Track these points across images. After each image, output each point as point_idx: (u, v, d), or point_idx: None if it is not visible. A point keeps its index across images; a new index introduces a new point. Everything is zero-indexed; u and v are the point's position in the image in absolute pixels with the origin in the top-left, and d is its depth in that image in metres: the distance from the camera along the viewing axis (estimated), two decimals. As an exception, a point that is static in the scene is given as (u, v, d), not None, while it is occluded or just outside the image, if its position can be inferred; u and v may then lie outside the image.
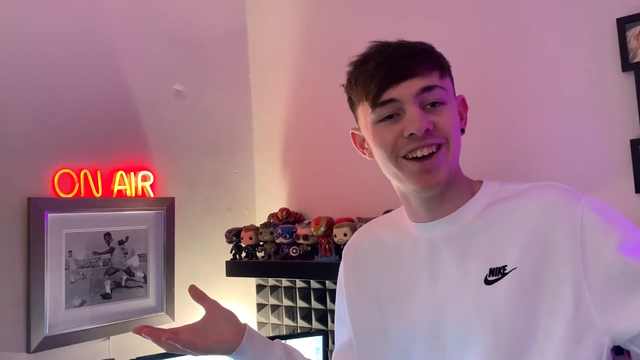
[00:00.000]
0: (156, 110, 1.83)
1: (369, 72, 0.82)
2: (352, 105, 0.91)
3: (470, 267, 0.82)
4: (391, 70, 0.80)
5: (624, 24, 1.27)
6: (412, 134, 0.79)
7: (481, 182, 0.89)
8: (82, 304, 1.56)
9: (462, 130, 0.87)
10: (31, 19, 1.53)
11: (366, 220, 1.56)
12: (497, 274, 0.79)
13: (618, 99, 1.29)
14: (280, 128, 2.06)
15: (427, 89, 0.80)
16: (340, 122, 1.86)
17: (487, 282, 0.80)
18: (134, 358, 1.45)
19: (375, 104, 0.81)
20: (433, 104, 0.81)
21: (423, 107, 0.80)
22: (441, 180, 0.81)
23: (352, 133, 0.95)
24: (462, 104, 0.89)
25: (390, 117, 0.81)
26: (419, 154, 0.80)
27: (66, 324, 1.52)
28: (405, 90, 0.80)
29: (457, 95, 0.89)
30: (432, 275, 0.85)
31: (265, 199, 2.10)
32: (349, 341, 1.00)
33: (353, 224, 1.54)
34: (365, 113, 0.85)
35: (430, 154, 0.80)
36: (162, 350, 1.50)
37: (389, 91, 0.80)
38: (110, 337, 1.61)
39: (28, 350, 1.44)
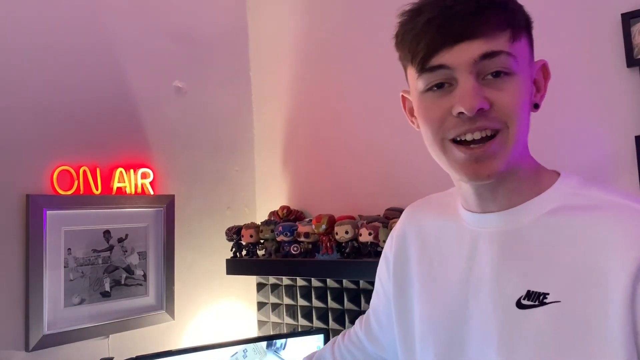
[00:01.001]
0: (156, 107, 1.82)
1: (418, 29, 0.65)
2: (403, 64, 0.74)
3: (505, 281, 0.68)
4: (445, 28, 0.63)
5: (628, 19, 1.26)
6: (461, 113, 0.63)
7: (558, 174, 0.72)
8: (81, 302, 1.55)
9: (536, 106, 0.71)
10: (30, 15, 1.52)
11: (367, 218, 1.55)
12: (534, 299, 0.64)
13: (623, 95, 1.28)
14: (281, 125, 2.05)
15: (490, 55, 0.63)
16: (342, 119, 1.85)
17: (520, 305, 0.65)
18: (134, 356, 1.43)
19: (422, 69, 0.66)
20: (496, 74, 0.64)
21: (483, 78, 0.64)
22: (493, 172, 0.65)
23: (402, 96, 0.79)
24: (543, 70, 0.71)
25: (440, 86, 0.66)
26: (468, 137, 0.65)
27: (65, 322, 1.51)
28: (460, 56, 0.63)
29: (536, 60, 0.71)
30: (467, 274, 0.73)
31: (266, 196, 2.09)
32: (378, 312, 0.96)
33: (354, 222, 1.53)
34: (412, 78, 0.70)
35: (484, 139, 0.65)
36: (161, 349, 1.50)
37: (439, 55, 0.64)
38: (110, 336, 1.60)
39: (27, 349, 1.43)
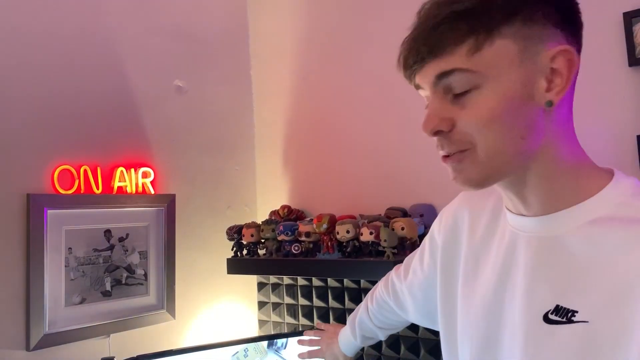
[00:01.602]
0: (157, 106, 1.82)
1: (403, 46, 0.65)
2: None
3: (536, 290, 0.64)
4: (413, 49, 0.62)
5: (630, 18, 1.26)
6: None
7: (611, 174, 0.64)
8: (82, 302, 1.55)
9: (549, 104, 0.61)
10: (31, 14, 1.52)
11: (368, 218, 1.55)
12: (562, 315, 0.60)
13: (624, 94, 1.28)
14: (282, 124, 2.05)
15: (444, 74, 0.61)
16: (342, 118, 1.85)
17: (547, 320, 0.62)
18: (134, 356, 1.43)
19: (415, 87, 0.67)
20: (462, 93, 0.61)
21: (453, 95, 0.62)
22: (467, 182, 0.64)
23: None
24: (559, 59, 0.60)
25: None
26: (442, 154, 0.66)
27: (66, 321, 1.51)
28: (424, 77, 0.63)
29: (551, 47, 0.60)
30: (505, 277, 0.69)
31: (267, 196, 2.09)
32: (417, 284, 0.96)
33: (355, 221, 1.53)
34: None
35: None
36: (162, 349, 1.50)
37: (415, 76, 0.65)
38: (111, 335, 1.60)
39: (27, 348, 1.43)
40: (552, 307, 0.61)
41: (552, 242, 0.63)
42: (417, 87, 0.66)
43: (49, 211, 1.49)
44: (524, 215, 0.67)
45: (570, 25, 0.62)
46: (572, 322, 0.59)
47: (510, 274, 0.68)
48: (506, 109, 0.60)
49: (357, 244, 1.51)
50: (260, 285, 2.01)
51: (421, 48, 0.61)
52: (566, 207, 0.63)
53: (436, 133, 0.63)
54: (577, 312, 0.59)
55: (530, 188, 0.65)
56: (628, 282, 0.56)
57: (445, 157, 0.65)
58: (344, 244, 1.53)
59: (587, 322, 0.58)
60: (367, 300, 1.17)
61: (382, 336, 1.18)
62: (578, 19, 0.63)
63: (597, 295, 0.58)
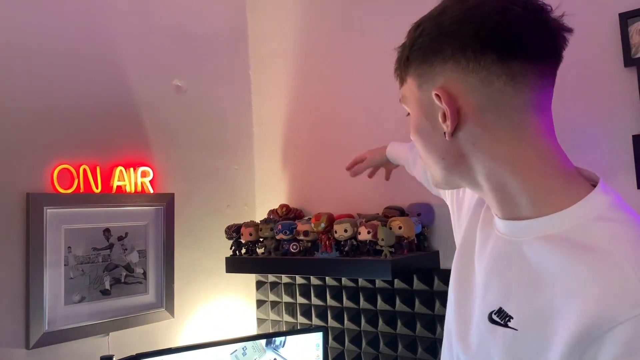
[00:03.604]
0: (156, 106, 1.82)
1: None
2: None
3: (489, 289, 0.68)
4: None
5: (626, 19, 1.27)
6: None
7: (591, 189, 0.64)
8: (81, 300, 1.56)
9: (445, 135, 0.66)
10: (31, 15, 1.53)
11: (366, 217, 1.56)
12: (502, 318, 0.64)
13: (620, 94, 1.28)
14: (281, 124, 2.05)
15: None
16: (341, 118, 1.86)
17: (490, 319, 0.66)
18: (134, 354, 1.44)
19: None
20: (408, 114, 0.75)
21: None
22: (434, 182, 0.75)
23: None
24: (439, 99, 0.64)
25: None
26: None
27: (65, 320, 1.52)
28: None
29: (436, 86, 0.64)
30: (479, 267, 0.73)
31: (265, 195, 2.10)
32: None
33: (354, 220, 1.53)
34: None
35: None
36: (161, 347, 1.51)
37: None
38: (110, 334, 1.61)
39: (27, 346, 1.43)
40: (496, 308, 0.65)
41: (512, 246, 0.66)
42: None
43: (48, 210, 1.49)
44: (496, 216, 0.71)
45: (466, 58, 0.62)
46: (507, 326, 0.63)
47: (481, 268, 0.72)
48: (419, 134, 0.70)
49: (355, 243, 1.52)
50: (259, 284, 2.02)
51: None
52: (527, 217, 0.64)
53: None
54: (512, 318, 0.62)
55: (486, 193, 0.69)
56: (555, 304, 0.58)
57: None
58: (342, 242, 1.54)
59: (517, 330, 0.61)
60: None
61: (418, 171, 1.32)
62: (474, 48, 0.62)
63: (530, 307, 0.61)
